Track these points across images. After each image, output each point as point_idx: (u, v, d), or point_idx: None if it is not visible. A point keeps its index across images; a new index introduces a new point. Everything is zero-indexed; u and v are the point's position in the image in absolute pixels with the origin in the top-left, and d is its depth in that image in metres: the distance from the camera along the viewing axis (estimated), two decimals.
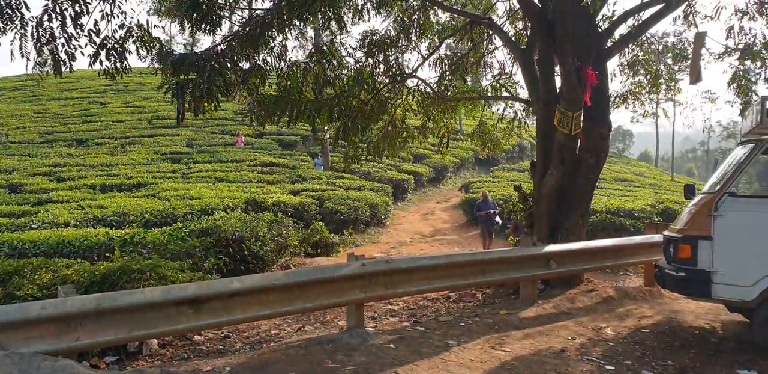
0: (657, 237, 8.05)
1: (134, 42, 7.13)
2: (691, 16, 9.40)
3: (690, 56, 9.01)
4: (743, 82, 9.78)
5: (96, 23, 6.66)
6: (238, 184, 18.11)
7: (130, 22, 7.03)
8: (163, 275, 6.03)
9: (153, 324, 4.44)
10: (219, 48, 7.62)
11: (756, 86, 9.92)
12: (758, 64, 9.59)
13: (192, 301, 4.57)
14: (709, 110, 61.42)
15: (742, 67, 9.85)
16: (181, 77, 7.28)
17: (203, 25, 7.29)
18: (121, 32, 6.95)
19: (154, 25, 7.94)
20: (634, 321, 6.71)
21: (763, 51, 9.12)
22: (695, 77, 7.78)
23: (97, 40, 6.75)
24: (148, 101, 37.59)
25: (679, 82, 11.98)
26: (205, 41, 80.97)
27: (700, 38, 7.80)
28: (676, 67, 11.57)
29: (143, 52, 7.29)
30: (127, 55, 7.11)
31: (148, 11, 36.08)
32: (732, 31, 9.28)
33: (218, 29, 7.50)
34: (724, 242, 5.61)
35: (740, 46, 9.38)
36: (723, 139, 57.44)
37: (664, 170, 51.70)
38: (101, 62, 6.90)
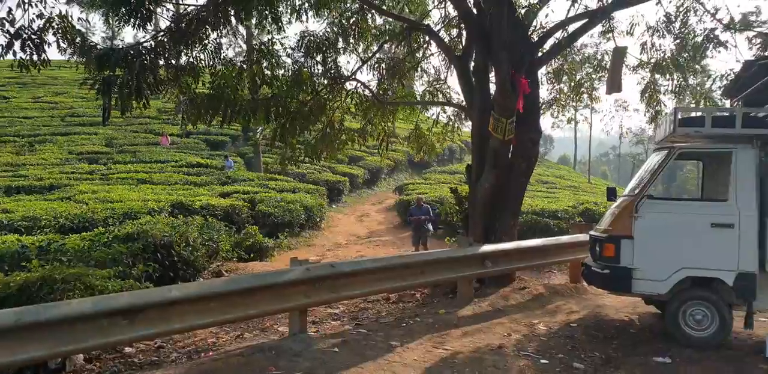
0: (581, 237, 8.48)
1: (54, 33, 6.73)
2: (610, 31, 10.00)
3: (608, 67, 9.55)
4: (653, 94, 10.52)
5: (10, 11, 6.24)
6: (163, 186, 17.39)
7: (51, 12, 6.66)
8: (90, 285, 5.64)
9: (82, 338, 4.16)
10: (149, 44, 7.32)
11: (663, 97, 10.71)
12: (667, 77, 10.33)
13: (126, 311, 4.33)
14: (622, 118, 65.31)
15: (652, 80, 10.59)
16: (107, 73, 6.93)
17: (132, 20, 6.98)
18: (39, 22, 6.56)
19: (78, 18, 7.51)
20: (563, 316, 7.05)
21: (671, 66, 9.83)
22: (616, 87, 8.24)
23: (12, 30, 6.32)
24: (62, 96, 35.41)
25: (598, 91, 12.67)
26: (126, 33, 77.26)
27: (620, 53, 8.28)
28: (595, 77, 12.21)
29: (64, 45, 6.89)
30: (45, 47, 6.70)
31: (67, 2, 33.83)
32: (645, 47, 9.96)
33: (148, 24, 7.21)
34: (643, 241, 6.02)
35: (652, 61, 10.07)
36: (633, 144, 61.24)
37: (581, 172, 54.39)
38: (15, 53, 6.45)
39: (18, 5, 6.34)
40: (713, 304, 5.84)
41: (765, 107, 6.16)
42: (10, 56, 6.43)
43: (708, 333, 5.83)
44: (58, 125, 28.85)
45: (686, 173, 53.12)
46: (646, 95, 10.57)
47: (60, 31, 6.71)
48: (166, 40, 7.19)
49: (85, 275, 5.83)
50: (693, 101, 10.63)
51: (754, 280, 5.69)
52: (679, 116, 6.13)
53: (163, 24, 7.90)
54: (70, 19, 6.79)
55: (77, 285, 5.64)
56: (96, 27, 48.16)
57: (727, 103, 8.30)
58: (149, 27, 7.21)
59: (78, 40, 6.97)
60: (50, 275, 5.61)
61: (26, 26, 6.41)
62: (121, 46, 7.65)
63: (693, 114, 6.59)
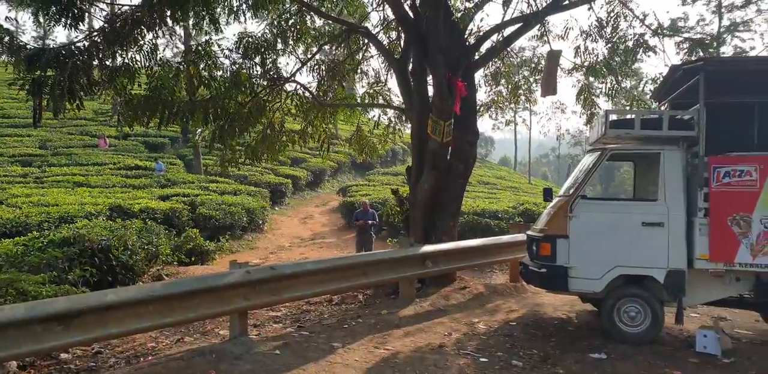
0: (521, 237, 8.69)
1: None
2: (545, 35, 10.36)
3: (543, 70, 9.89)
4: (588, 96, 10.96)
5: None
6: (101, 189, 16.88)
7: None
8: (24, 291, 5.50)
9: (14, 345, 4.03)
10: (82, 44, 7.10)
11: (598, 99, 11.16)
12: (600, 80, 10.78)
13: (61, 317, 4.22)
14: (560, 120, 67.19)
15: (587, 83, 11.02)
16: (38, 74, 6.68)
17: (63, 20, 6.76)
18: None
19: (6, 17, 7.19)
20: (503, 315, 7.23)
21: (604, 69, 10.26)
22: (551, 90, 8.54)
23: None
24: None
25: (535, 93, 13.09)
26: (59, 34, 74.27)
27: (555, 56, 8.58)
28: (532, 80, 12.60)
29: None
30: None
31: None
32: (579, 50, 10.36)
33: (81, 24, 6.99)
34: (578, 240, 6.21)
35: (586, 64, 10.49)
36: (571, 146, 63.23)
37: (522, 173, 55.79)
38: None
39: None
40: (646, 301, 6.05)
41: (690, 110, 6.44)
42: None
43: (641, 329, 6.06)
44: None
45: (623, 173, 55.33)
46: (581, 97, 10.98)
47: None
48: (100, 40, 6.98)
49: (17, 281, 5.69)
50: (627, 104, 11.09)
51: (683, 277, 5.93)
52: (611, 119, 6.38)
53: (97, 24, 7.63)
54: None
55: (9, 291, 5.51)
56: (26, 26, 46.01)
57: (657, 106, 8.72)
58: (82, 27, 6.98)
59: (6, 39, 6.70)
60: None
61: None
62: (52, 46, 7.39)
63: (626, 116, 6.81)
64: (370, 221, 12.29)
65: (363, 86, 11.34)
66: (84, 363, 5.49)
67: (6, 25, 6.81)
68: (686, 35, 15.23)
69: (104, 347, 5.92)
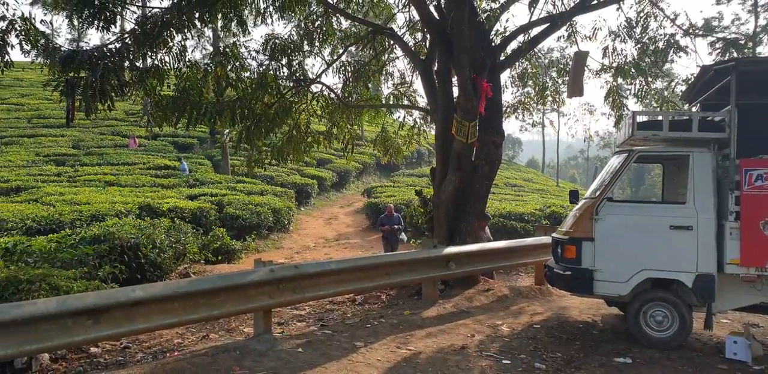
0: (546, 239, 8.61)
1: (17, 35, 6.68)
2: (572, 36, 10.24)
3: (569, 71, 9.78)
4: (617, 98, 10.78)
5: None
6: (131, 188, 17.28)
7: (13, 14, 6.62)
8: (56, 285, 5.68)
9: (46, 337, 4.16)
10: (114, 46, 7.29)
11: (627, 101, 10.97)
12: (629, 81, 10.61)
13: (91, 311, 4.34)
14: (589, 121, 66.27)
15: (615, 84, 10.86)
16: (72, 75, 6.89)
17: (96, 22, 6.95)
18: (2, 24, 6.52)
19: (41, 20, 7.46)
20: (526, 317, 7.14)
21: (632, 70, 10.09)
22: (578, 91, 8.46)
23: None
24: (28, 98, 34.79)
25: (563, 95, 12.94)
26: (93, 36, 76.36)
27: (582, 57, 8.50)
28: (560, 81, 12.47)
29: (27, 47, 6.85)
30: (8, 49, 6.66)
31: (31, 3, 33.24)
32: (607, 51, 10.21)
33: (113, 26, 7.19)
34: (604, 243, 6.10)
35: (614, 65, 10.33)
36: (600, 148, 62.23)
37: (549, 176, 55.23)
38: None
39: None
40: (673, 305, 5.93)
41: (721, 111, 6.28)
42: None
43: (668, 333, 5.92)
44: (24, 127, 28.38)
45: (654, 176, 54.29)
46: (610, 98, 10.83)
47: (23, 33, 6.66)
48: (130, 42, 7.17)
49: (50, 276, 5.87)
50: (657, 106, 10.89)
51: (712, 282, 5.78)
52: (638, 120, 6.26)
53: (128, 26, 7.84)
54: (33, 21, 6.74)
55: (42, 286, 5.68)
56: (62, 29, 47.49)
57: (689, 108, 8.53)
58: (114, 29, 7.18)
59: (42, 42, 6.93)
60: (15, 276, 5.64)
61: None
62: (85, 48, 7.61)
63: (655, 118, 6.68)
64: (396, 226, 12.17)
65: (388, 87, 11.41)
66: (113, 357, 5.63)
67: (42, 28, 7.05)
68: (720, 35, 14.88)
69: (132, 342, 6.07)
